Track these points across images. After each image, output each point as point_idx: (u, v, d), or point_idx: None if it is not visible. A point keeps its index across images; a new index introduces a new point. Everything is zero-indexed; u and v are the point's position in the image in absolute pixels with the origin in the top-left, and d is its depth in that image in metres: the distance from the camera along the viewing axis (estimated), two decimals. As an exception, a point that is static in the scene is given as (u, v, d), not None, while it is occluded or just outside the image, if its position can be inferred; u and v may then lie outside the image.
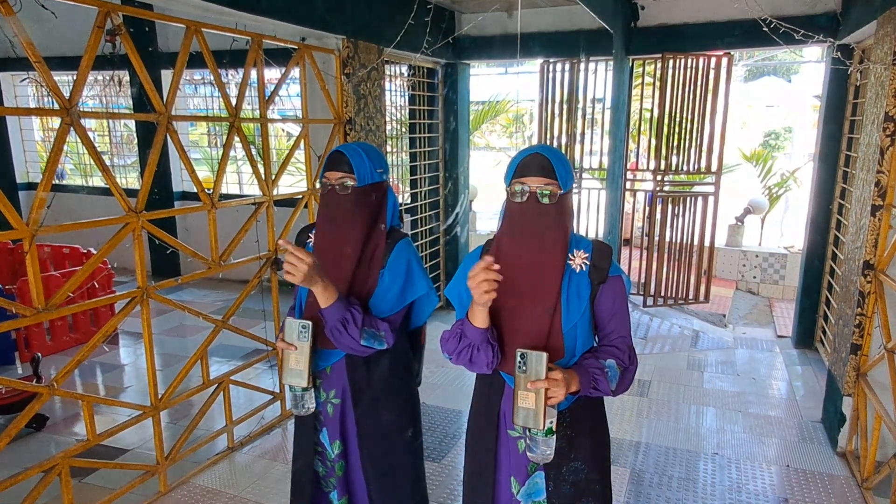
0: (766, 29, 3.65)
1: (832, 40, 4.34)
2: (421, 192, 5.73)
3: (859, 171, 3.54)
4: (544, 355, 1.46)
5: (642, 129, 8.28)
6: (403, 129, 5.59)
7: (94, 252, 5.40)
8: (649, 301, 5.86)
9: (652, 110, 6.31)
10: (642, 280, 5.94)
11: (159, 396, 2.98)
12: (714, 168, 5.58)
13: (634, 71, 5.78)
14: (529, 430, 1.51)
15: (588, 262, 1.60)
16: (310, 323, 1.76)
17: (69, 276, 4.84)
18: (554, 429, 1.51)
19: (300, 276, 1.64)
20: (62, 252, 5.67)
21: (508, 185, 1.59)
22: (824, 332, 4.87)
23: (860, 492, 3.10)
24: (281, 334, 1.80)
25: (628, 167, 6.13)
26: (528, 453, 1.55)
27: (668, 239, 5.77)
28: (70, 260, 5.63)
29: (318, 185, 3.74)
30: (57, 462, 2.56)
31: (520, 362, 1.47)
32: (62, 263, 5.61)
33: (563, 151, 5.75)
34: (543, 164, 1.54)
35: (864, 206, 3.27)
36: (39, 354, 3.76)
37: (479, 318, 1.53)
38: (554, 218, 1.56)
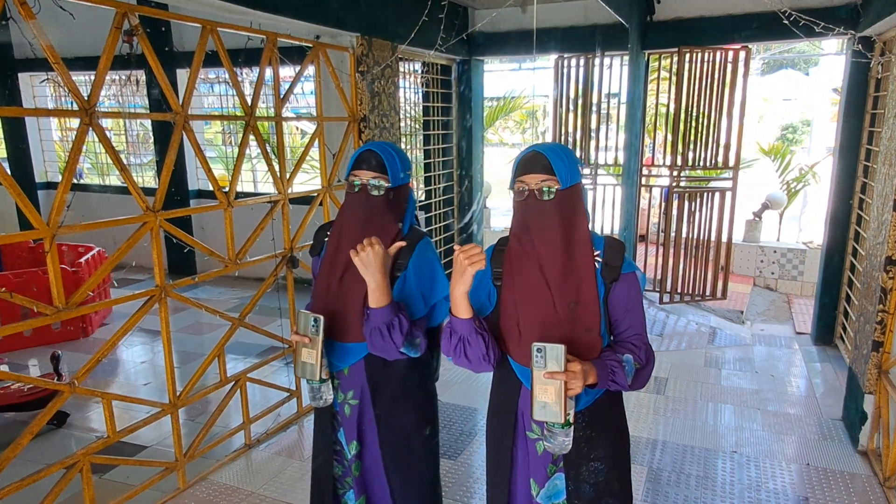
0: (785, 21, 3.59)
1: (853, 32, 4.27)
2: (435, 189, 5.72)
3: (881, 166, 3.48)
4: (562, 347, 1.44)
5: (658, 124, 8.21)
6: (417, 127, 5.59)
7: (108, 254, 5.47)
8: (665, 298, 5.81)
9: (668, 105, 6.25)
10: (658, 277, 5.89)
11: (177, 394, 3.01)
12: (731, 163, 5.52)
13: (650, 65, 5.73)
14: (547, 423, 1.48)
15: (600, 261, 1.60)
16: (321, 317, 1.73)
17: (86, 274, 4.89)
18: (572, 420, 1.50)
19: (368, 259, 1.65)
20: (77, 250, 5.73)
21: (512, 186, 1.62)
22: (844, 329, 4.80)
23: (882, 491, 3.06)
24: (295, 327, 1.79)
25: (644, 163, 6.08)
26: (546, 444, 1.53)
27: (684, 235, 5.71)
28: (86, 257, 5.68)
29: (341, 181, 3.74)
30: (78, 459, 2.59)
31: (536, 356, 1.45)
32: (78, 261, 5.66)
33: (578, 147, 5.72)
34: (541, 162, 1.55)
35: (886, 201, 3.22)
36: (60, 352, 3.81)
37: (462, 308, 1.54)
38: (556, 213, 1.56)
